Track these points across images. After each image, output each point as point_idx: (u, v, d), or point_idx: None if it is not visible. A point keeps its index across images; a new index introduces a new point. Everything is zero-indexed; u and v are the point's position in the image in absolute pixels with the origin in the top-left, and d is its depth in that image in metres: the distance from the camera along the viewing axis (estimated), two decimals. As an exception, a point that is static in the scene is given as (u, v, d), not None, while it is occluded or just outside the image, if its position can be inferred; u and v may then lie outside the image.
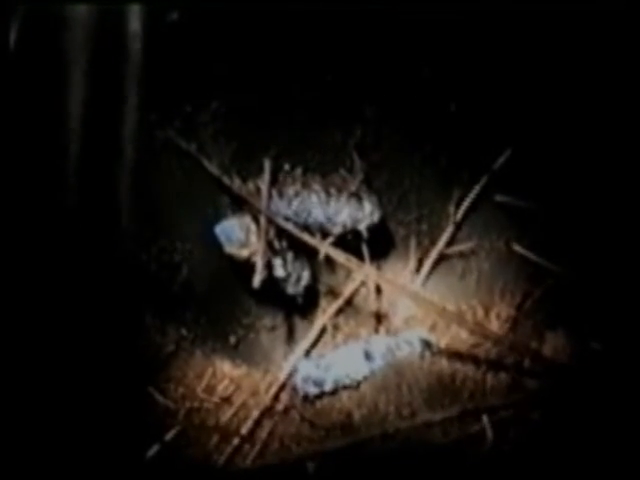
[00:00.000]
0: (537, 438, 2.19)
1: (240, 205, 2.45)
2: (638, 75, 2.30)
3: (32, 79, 2.27)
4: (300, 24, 2.36)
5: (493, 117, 2.43)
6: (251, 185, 2.45)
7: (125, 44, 2.34)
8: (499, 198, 2.48)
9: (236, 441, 2.36)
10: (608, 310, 2.32)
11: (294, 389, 2.40)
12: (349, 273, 2.50)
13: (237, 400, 2.41)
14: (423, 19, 2.34)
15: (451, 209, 2.49)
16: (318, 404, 2.36)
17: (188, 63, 2.38)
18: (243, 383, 2.43)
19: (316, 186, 2.44)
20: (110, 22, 2.32)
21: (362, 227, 2.43)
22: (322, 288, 2.51)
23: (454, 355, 2.33)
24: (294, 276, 2.43)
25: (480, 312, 2.42)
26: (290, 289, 2.44)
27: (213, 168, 2.43)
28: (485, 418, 2.21)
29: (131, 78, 2.35)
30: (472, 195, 2.49)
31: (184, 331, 2.45)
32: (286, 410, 2.39)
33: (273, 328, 2.50)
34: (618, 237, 2.34)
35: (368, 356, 2.35)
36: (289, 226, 2.40)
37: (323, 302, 2.51)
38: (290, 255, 2.43)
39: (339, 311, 2.49)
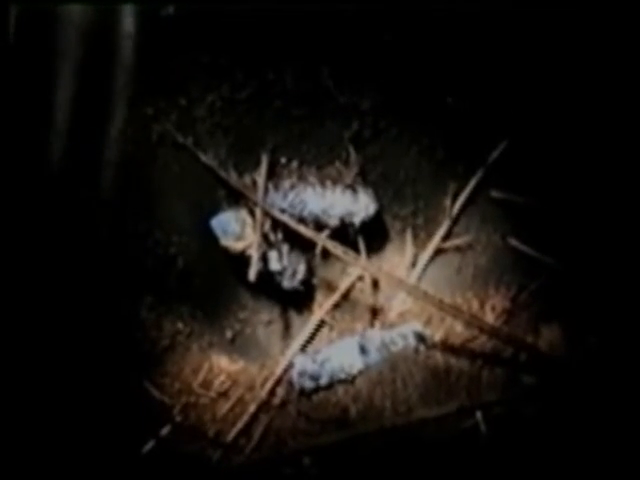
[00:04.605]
0: (532, 433, 2.19)
1: (236, 198, 2.44)
2: (633, 71, 2.30)
3: (29, 75, 2.30)
4: (296, 19, 2.35)
5: (488, 111, 2.42)
6: (247, 178, 2.44)
7: (122, 39, 2.36)
8: (495, 194, 2.46)
9: (232, 436, 2.36)
10: (604, 304, 2.31)
11: (290, 384, 2.39)
12: (345, 267, 2.49)
13: (233, 395, 2.41)
14: (419, 13, 2.34)
15: (447, 203, 2.48)
16: (314, 398, 2.36)
17: (184, 57, 2.38)
18: (240, 378, 2.43)
19: (312, 178, 2.43)
20: (106, 17, 2.35)
21: (357, 220, 2.41)
22: (318, 282, 2.49)
23: (449, 349, 2.33)
24: (290, 270, 2.42)
25: (475, 305, 2.41)
26: (286, 283, 2.43)
27: (209, 161, 2.42)
28: (479, 414, 2.20)
29: (128, 73, 2.37)
30: (468, 189, 2.47)
31: (180, 325, 2.44)
32: (282, 404, 2.39)
33: (269, 322, 2.49)
34: (614, 231, 2.33)
35: (363, 350, 2.35)
36: (284, 218, 2.39)
37: (319, 296, 2.49)
38: (285, 248, 2.42)
39: (335, 305, 2.48)
